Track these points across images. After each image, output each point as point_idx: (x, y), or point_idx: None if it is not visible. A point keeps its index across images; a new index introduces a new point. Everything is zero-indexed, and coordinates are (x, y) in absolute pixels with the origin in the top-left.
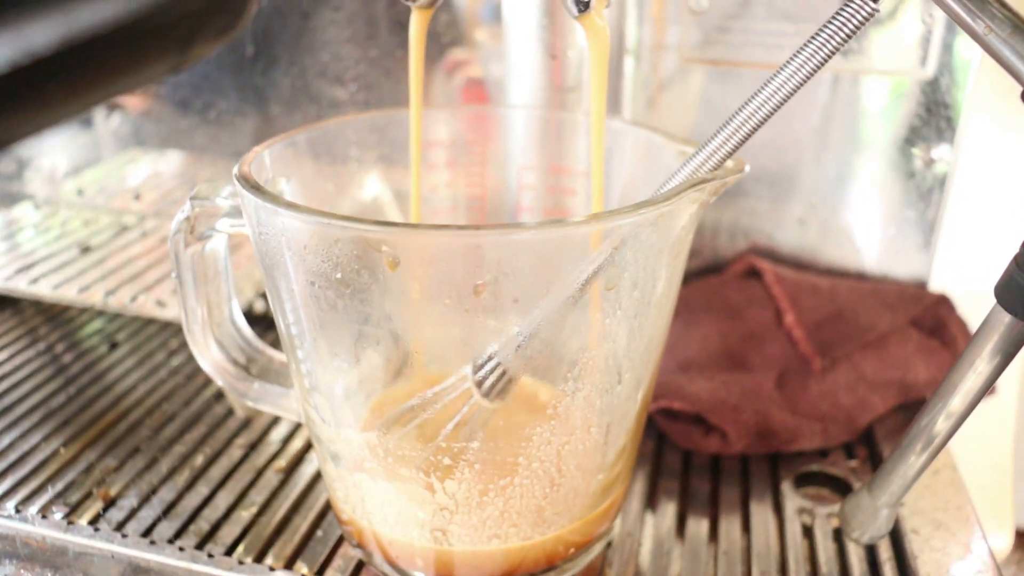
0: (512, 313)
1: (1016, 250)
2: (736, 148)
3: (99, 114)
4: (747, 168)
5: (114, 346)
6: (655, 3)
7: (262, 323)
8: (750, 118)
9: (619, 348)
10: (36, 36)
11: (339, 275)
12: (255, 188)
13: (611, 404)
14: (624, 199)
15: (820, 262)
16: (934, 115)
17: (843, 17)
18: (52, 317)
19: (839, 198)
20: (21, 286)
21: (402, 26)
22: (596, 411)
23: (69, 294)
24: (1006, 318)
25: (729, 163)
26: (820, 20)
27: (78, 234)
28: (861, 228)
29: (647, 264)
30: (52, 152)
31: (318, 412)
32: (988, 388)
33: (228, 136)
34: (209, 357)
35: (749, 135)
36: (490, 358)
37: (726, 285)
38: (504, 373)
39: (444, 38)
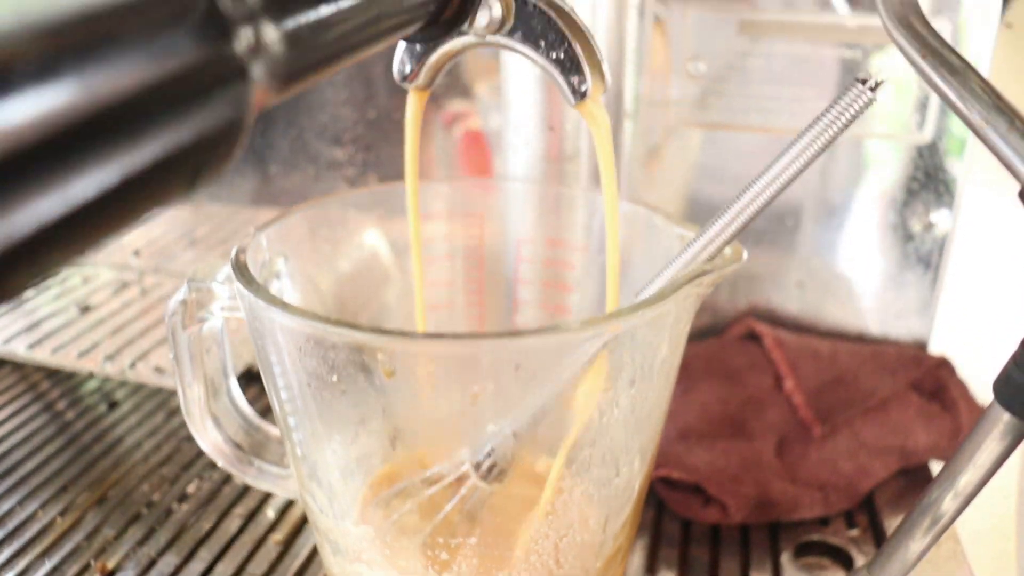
0: (510, 414)
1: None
2: (733, 237)
3: None
4: (745, 256)
5: (113, 405)
6: (653, 67)
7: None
8: (747, 207)
9: (616, 443)
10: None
11: (335, 378)
12: (250, 283)
13: (609, 497)
14: (623, 279)
15: (820, 324)
16: (932, 179)
17: (841, 106)
18: (51, 374)
19: (838, 261)
20: (20, 350)
21: (400, 88)
22: (594, 504)
23: (67, 360)
24: (1004, 415)
25: (727, 250)
26: (817, 86)
27: (78, 292)
28: (860, 291)
29: (644, 361)
30: None
31: (315, 501)
32: (988, 479)
33: (227, 193)
34: (207, 438)
35: (746, 224)
36: (488, 453)
37: (726, 349)
38: (500, 461)
39: (442, 89)
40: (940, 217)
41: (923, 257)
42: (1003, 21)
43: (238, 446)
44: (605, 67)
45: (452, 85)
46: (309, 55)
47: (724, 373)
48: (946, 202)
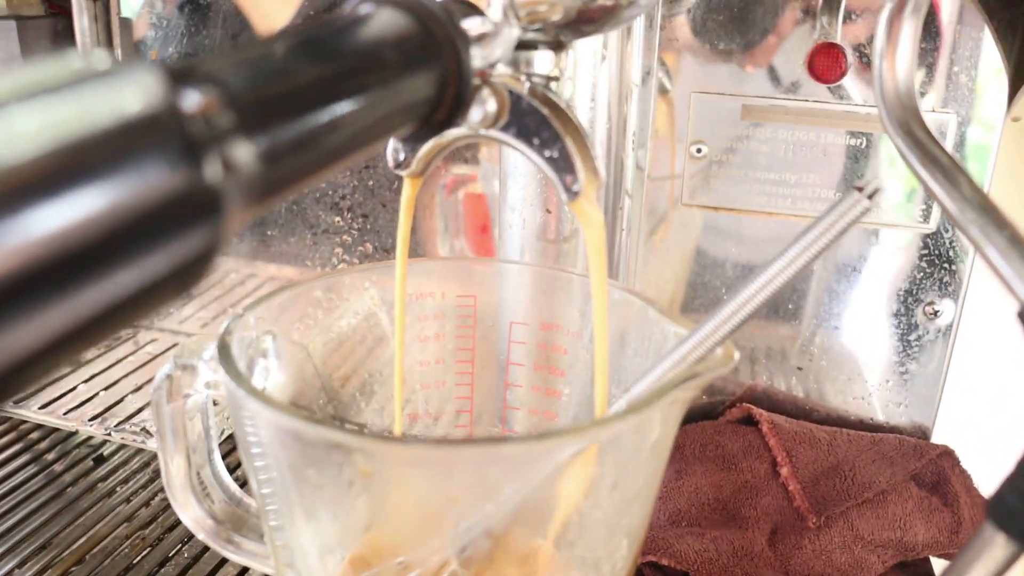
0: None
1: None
2: (723, 340)
3: None
4: (737, 357)
5: (100, 460)
6: (654, 147)
7: None
8: (739, 310)
9: (599, 535)
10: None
11: (312, 472)
12: (231, 370)
13: None
14: (615, 370)
15: (819, 410)
16: (937, 268)
17: (837, 213)
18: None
19: (839, 346)
20: (7, 407)
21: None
22: None
23: (53, 417)
24: (999, 536)
25: (718, 351)
26: (821, 172)
27: None
28: (862, 377)
29: (628, 465)
30: None
31: None
32: None
33: (223, 255)
34: (188, 511)
35: (737, 327)
36: (463, 548)
37: (721, 432)
38: (477, 553)
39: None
40: (945, 306)
41: (927, 345)
42: (1009, 115)
43: (219, 520)
44: (599, 165)
45: (456, 151)
46: (289, 170)
47: (719, 457)
48: (951, 291)
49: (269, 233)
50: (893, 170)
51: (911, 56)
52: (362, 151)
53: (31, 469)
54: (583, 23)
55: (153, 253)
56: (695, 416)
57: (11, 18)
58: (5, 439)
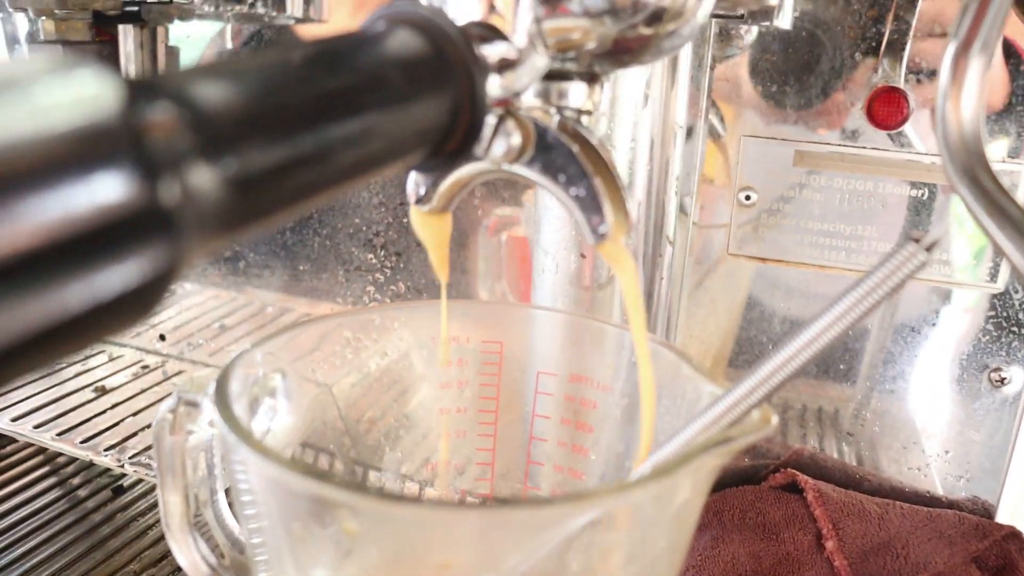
0: None
1: None
2: (761, 402)
3: None
4: (775, 422)
5: (120, 490)
6: (700, 193)
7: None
8: (779, 369)
9: None
10: None
11: (296, 524)
12: (225, 411)
13: None
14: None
15: (870, 479)
16: (1005, 331)
17: (890, 266)
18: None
19: (895, 411)
20: (26, 430)
21: None
22: None
23: (69, 446)
24: None
25: (754, 415)
26: (879, 224)
27: (98, 371)
28: (918, 447)
29: (646, 537)
30: None
31: None
32: None
33: (254, 288)
34: (187, 554)
35: (777, 388)
36: None
37: (763, 499)
38: None
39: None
40: (1013, 372)
41: (992, 414)
42: None
43: (218, 565)
44: (631, 206)
45: (496, 192)
46: (266, 198)
47: (759, 526)
48: (1020, 356)
49: (301, 268)
50: (958, 223)
51: (978, 97)
52: (359, 180)
53: (47, 497)
54: (620, 53)
55: (100, 271)
56: (736, 480)
57: (58, 43)
58: (32, 462)
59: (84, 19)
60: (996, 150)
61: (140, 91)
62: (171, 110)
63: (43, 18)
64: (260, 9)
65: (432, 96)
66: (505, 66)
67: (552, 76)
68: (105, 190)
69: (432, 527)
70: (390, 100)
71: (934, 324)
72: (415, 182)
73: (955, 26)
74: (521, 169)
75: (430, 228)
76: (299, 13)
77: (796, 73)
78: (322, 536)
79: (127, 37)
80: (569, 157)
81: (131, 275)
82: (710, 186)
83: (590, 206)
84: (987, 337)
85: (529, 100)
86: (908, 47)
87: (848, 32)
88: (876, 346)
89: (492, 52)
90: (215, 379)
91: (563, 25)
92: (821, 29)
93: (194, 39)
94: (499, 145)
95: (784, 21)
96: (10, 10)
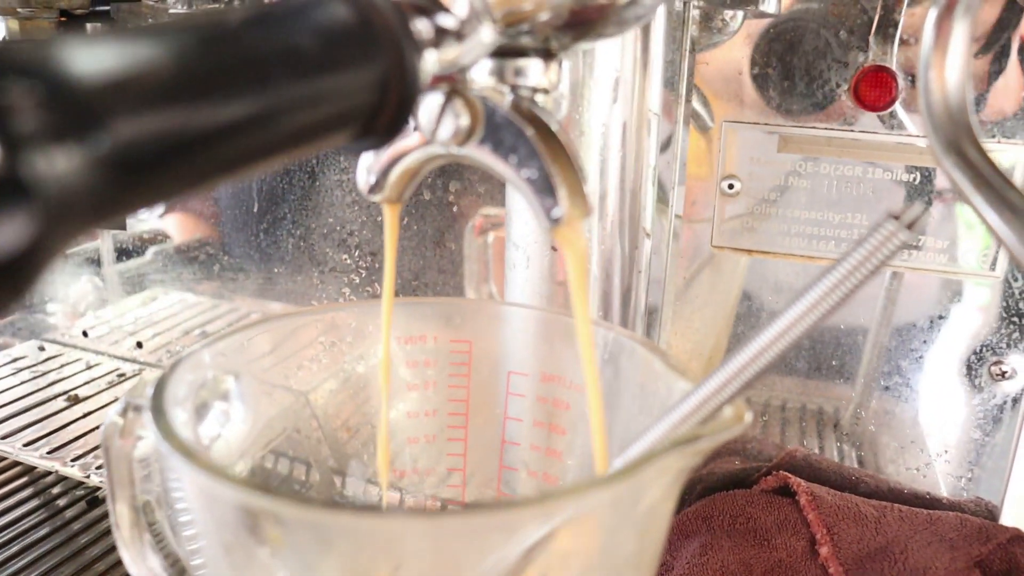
0: None
1: None
2: (734, 396)
3: (106, 257)
4: (748, 418)
5: (94, 503)
6: (679, 182)
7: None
8: (754, 360)
9: None
10: None
11: (228, 535)
12: (159, 416)
13: None
14: (619, 427)
15: (867, 481)
16: (1005, 322)
17: (869, 246)
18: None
19: (890, 410)
20: None
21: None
22: None
23: (36, 456)
24: None
25: (727, 411)
26: (867, 211)
27: (74, 380)
28: (916, 447)
29: (607, 547)
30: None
31: None
32: None
33: (230, 291)
34: (138, 566)
35: (752, 380)
36: None
37: (754, 503)
38: None
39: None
40: (1015, 364)
41: (994, 410)
42: None
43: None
44: (587, 189)
45: (486, 191)
46: (147, 179)
47: (750, 532)
48: (1021, 348)
49: (276, 271)
50: (953, 208)
51: (963, 64)
52: (273, 159)
53: (22, 510)
54: (578, 25)
55: None
56: (726, 484)
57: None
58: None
59: (50, 19)
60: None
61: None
62: (27, 85)
63: (7, 18)
64: (236, 5)
65: (356, 70)
66: (444, 40)
67: (506, 53)
68: None
69: (370, 537)
70: (309, 70)
71: (931, 317)
72: (365, 171)
73: None
74: (471, 151)
75: (387, 219)
76: None
77: (780, 55)
78: (252, 549)
79: None
80: (519, 137)
81: None
82: (693, 175)
83: (543, 188)
84: (987, 329)
85: (483, 78)
86: (900, 22)
87: (833, 9)
88: (870, 341)
89: (431, 26)
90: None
91: None
92: (807, 8)
93: None
94: (446, 126)
95: (770, 5)
96: None
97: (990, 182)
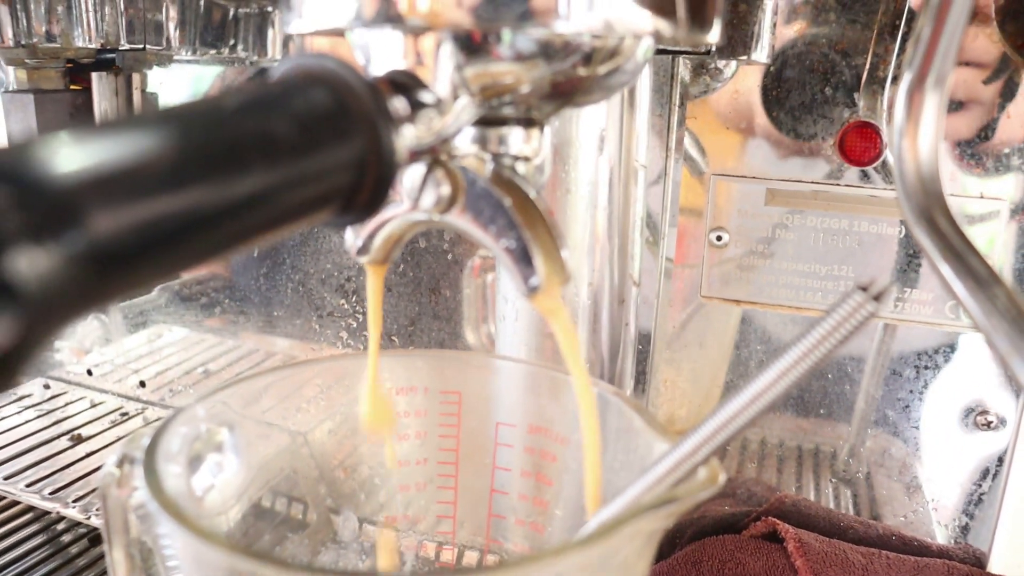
0: None
1: None
2: (706, 459)
3: None
4: (722, 479)
5: (96, 540)
6: (671, 234)
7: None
8: (725, 425)
9: None
10: None
11: None
12: (151, 476)
13: None
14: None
15: (855, 527)
16: (987, 372)
17: (837, 317)
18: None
19: (876, 458)
20: None
21: (407, 243)
22: None
23: (37, 498)
24: None
25: (701, 472)
26: (853, 264)
27: (78, 419)
28: (904, 494)
29: None
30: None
31: None
32: None
33: (230, 333)
34: None
35: (724, 443)
36: None
37: (743, 549)
38: None
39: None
40: (1001, 413)
41: (980, 460)
42: None
43: None
44: (565, 256)
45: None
46: (126, 272)
47: None
48: (1008, 398)
49: (275, 314)
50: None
51: (935, 134)
52: (253, 241)
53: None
54: (560, 96)
55: None
56: (716, 528)
57: (30, 91)
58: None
59: (57, 68)
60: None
61: None
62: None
63: (15, 68)
64: (241, 53)
65: (332, 151)
66: (424, 115)
67: (488, 122)
68: None
69: None
70: (282, 158)
71: (916, 364)
72: (353, 233)
73: (908, 60)
74: (453, 220)
75: (369, 279)
76: (280, 56)
77: (766, 107)
78: None
79: (101, 84)
80: (499, 208)
81: None
82: (683, 226)
83: (521, 258)
84: (974, 378)
85: (466, 146)
86: (888, 81)
87: (819, 66)
88: (854, 389)
89: (408, 102)
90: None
91: (485, 71)
92: (797, 62)
93: (168, 85)
94: (428, 196)
95: (761, 55)
96: None
97: (958, 252)
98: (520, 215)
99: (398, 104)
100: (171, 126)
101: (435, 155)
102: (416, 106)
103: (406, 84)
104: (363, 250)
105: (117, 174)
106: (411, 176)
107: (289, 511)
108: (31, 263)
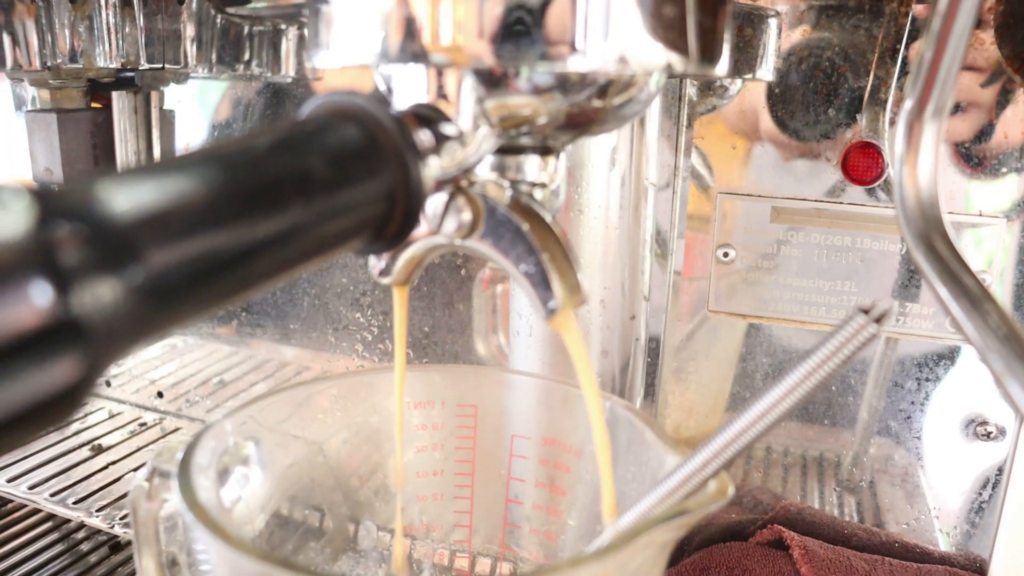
0: None
1: None
2: (715, 473)
3: None
4: (731, 492)
5: (115, 548)
6: (678, 250)
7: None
8: (732, 442)
9: None
10: None
11: None
12: (186, 489)
13: None
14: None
15: (859, 535)
16: (992, 383)
17: (840, 338)
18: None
19: (880, 467)
20: (20, 491)
21: None
22: None
23: (61, 507)
24: None
25: (711, 485)
26: (856, 280)
27: (97, 429)
28: (906, 502)
29: None
30: None
31: None
32: None
33: (247, 346)
34: None
35: (731, 459)
36: None
37: (750, 556)
38: None
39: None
40: (1001, 424)
41: (981, 469)
42: None
43: None
44: (581, 279)
45: None
46: (178, 305)
47: None
48: (1003, 408)
49: (292, 327)
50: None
51: (933, 162)
52: (292, 272)
53: (46, 555)
54: (575, 126)
55: (14, 382)
56: (723, 536)
57: (52, 111)
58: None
59: (79, 87)
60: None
61: (52, 206)
62: (72, 225)
63: (39, 88)
64: (256, 70)
65: (364, 184)
66: (448, 147)
67: (507, 151)
68: (17, 307)
69: None
70: (318, 192)
71: (918, 375)
72: (375, 257)
73: (908, 92)
74: (473, 244)
75: (396, 300)
76: (294, 72)
77: (773, 127)
78: None
79: (121, 103)
80: (518, 234)
81: (42, 385)
82: (691, 241)
83: (539, 282)
84: (974, 388)
85: (485, 173)
86: (890, 102)
87: (822, 88)
88: (857, 400)
89: (434, 135)
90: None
91: (504, 104)
92: (801, 83)
93: (186, 102)
94: (450, 222)
95: (767, 72)
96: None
97: (956, 275)
98: (538, 240)
99: (424, 137)
100: (214, 166)
101: (456, 183)
102: (440, 138)
103: (430, 117)
104: (385, 272)
105: (169, 212)
106: (433, 203)
107: (307, 518)
108: (97, 296)
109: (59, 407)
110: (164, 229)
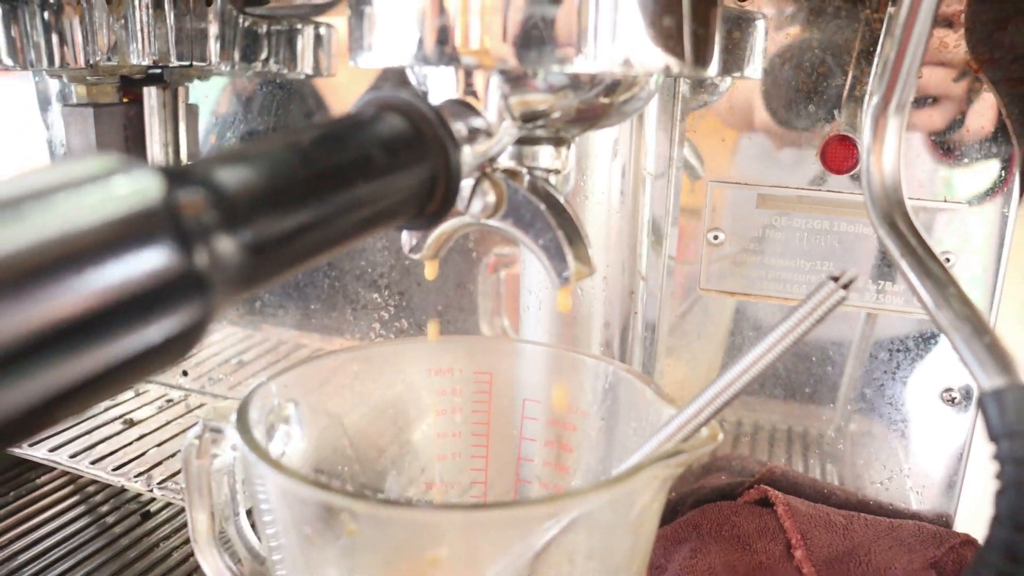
0: None
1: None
2: (707, 421)
3: None
4: (720, 437)
5: (147, 515)
6: (673, 234)
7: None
8: (719, 395)
9: None
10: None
11: (308, 529)
12: (245, 433)
13: None
14: (616, 445)
15: (837, 494)
16: (950, 351)
17: (811, 304)
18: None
19: (855, 431)
20: (63, 459)
21: None
22: None
23: (103, 472)
24: None
25: (703, 431)
26: (835, 260)
27: (127, 406)
28: (879, 463)
29: (606, 538)
30: None
31: None
32: None
33: (270, 325)
34: (211, 564)
35: (720, 408)
36: None
37: (738, 513)
38: None
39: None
40: (964, 390)
41: (949, 431)
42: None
43: (239, 573)
44: (591, 253)
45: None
46: (275, 260)
47: (734, 538)
48: (965, 375)
49: (312, 307)
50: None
51: (897, 152)
52: (354, 242)
53: (80, 523)
54: (584, 120)
55: (148, 325)
56: (714, 497)
57: (89, 105)
58: (64, 491)
59: (113, 83)
60: (938, 191)
61: (175, 180)
62: (199, 193)
63: (76, 84)
64: (273, 67)
65: (412, 169)
66: (478, 138)
67: (524, 141)
68: (151, 260)
69: (419, 526)
70: (377, 175)
71: (887, 345)
72: (407, 234)
73: (871, 89)
74: (496, 223)
75: (427, 271)
76: (310, 69)
77: (759, 121)
78: (329, 538)
79: (151, 98)
80: (536, 214)
81: (173, 325)
82: (684, 229)
83: (555, 255)
84: (938, 356)
85: (505, 161)
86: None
87: (804, 86)
88: (835, 371)
89: (466, 127)
90: (236, 408)
91: (527, 100)
92: (784, 81)
93: (212, 99)
94: (477, 203)
95: (754, 71)
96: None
97: (915, 250)
98: (553, 218)
99: (459, 128)
100: (295, 152)
101: (482, 169)
102: (472, 130)
103: (463, 112)
104: (416, 248)
105: (265, 186)
106: (462, 187)
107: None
108: (215, 253)
109: (184, 343)
110: (263, 199)
